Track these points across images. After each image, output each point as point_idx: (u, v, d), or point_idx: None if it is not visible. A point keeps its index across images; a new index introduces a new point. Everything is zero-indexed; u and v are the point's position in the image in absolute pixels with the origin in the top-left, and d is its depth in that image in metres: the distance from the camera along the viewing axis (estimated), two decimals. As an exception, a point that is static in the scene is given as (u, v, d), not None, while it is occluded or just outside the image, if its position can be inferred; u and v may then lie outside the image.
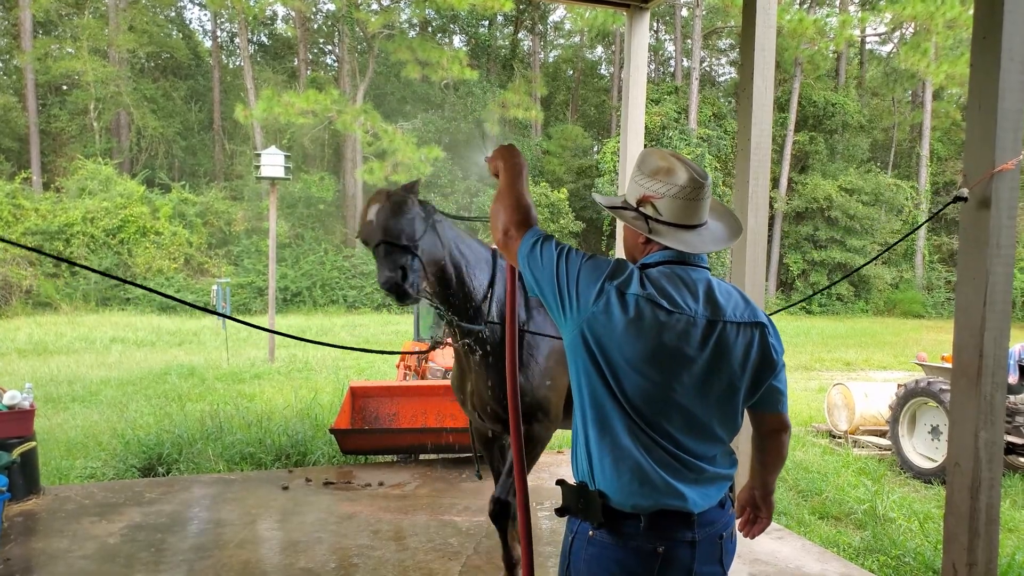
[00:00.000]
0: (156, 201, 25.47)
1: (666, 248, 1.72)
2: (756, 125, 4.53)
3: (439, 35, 33.00)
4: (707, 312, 1.65)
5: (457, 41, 33.76)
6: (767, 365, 1.73)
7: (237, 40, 33.39)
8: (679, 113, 29.63)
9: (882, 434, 8.21)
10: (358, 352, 16.56)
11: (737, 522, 1.99)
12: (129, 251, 24.17)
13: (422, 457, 5.93)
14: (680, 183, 1.70)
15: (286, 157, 12.40)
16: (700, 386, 1.64)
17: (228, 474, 5.55)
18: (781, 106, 32.06)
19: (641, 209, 1.75)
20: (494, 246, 3.27)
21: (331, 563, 3.83)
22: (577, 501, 1.70)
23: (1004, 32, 2.98)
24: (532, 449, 3.29)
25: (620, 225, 5.89)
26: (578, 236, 29.04)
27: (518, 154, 2.01)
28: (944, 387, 6.88)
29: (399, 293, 2.68)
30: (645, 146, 5.89)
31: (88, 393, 10.00)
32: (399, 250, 2.74)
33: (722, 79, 40.36)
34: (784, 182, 30.92)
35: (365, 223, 2.85)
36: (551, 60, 40.01)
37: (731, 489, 1.84)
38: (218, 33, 35.25)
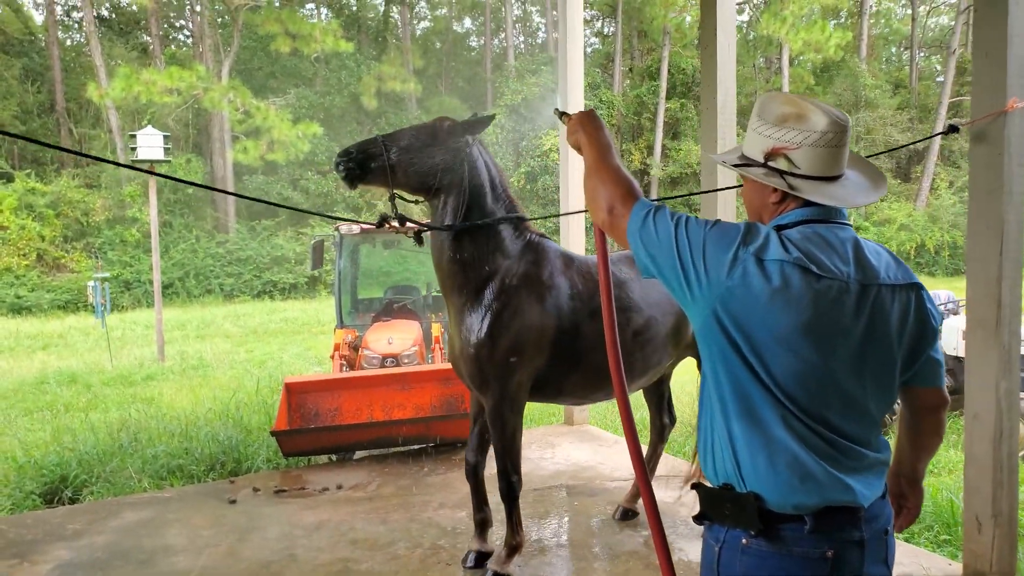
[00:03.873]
0: (-3, 192, 22.95)
1: (806, 205, 1.51)
2: (721, 84, 4.40)
3: (306, 7, 31.45)
4: (859, 275, 1.44)
5: (324, 14, 32.31)
6: (926, 333, 1.54)
7: (76, 14, 30.43)
8: (556, 84, 29.75)
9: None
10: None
11: None
12: (-32, 248, 21.66)
13: (374, 453, 5.50)
14: (820, 128, 1.48)
15: (165, 138, 11.27)
16: (857, 360, 1.43)
17: (159, 492, 4.89)
18: (652, 75, 32.89)
19: (771, 164, 1.52)
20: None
21: (318, 583, 3.41)
22: (723, 506, 1.47)
23: (1013, -25, 2.94)
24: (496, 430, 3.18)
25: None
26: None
27: (602, 127, 1.75)
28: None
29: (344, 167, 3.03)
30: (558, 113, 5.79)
31: (-51, 412, 8.78)
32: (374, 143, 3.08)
33: (588, 49, 40.91)
34: (658, 149, 31.79)
35: None
36: (419, 33, 39.13)
37: None
38: (54, 6, 31.92)
